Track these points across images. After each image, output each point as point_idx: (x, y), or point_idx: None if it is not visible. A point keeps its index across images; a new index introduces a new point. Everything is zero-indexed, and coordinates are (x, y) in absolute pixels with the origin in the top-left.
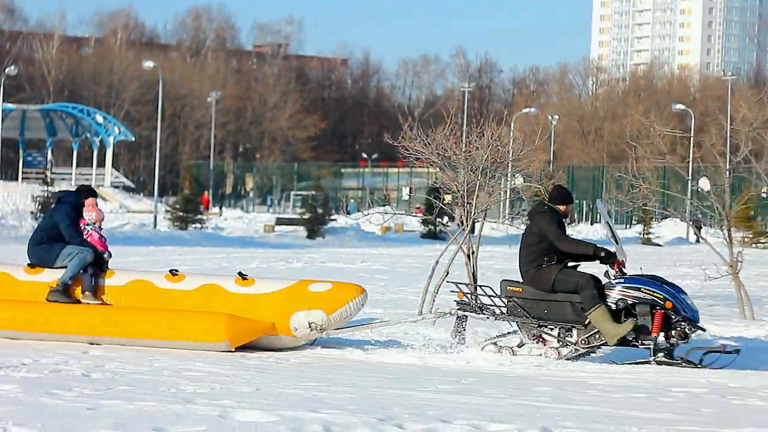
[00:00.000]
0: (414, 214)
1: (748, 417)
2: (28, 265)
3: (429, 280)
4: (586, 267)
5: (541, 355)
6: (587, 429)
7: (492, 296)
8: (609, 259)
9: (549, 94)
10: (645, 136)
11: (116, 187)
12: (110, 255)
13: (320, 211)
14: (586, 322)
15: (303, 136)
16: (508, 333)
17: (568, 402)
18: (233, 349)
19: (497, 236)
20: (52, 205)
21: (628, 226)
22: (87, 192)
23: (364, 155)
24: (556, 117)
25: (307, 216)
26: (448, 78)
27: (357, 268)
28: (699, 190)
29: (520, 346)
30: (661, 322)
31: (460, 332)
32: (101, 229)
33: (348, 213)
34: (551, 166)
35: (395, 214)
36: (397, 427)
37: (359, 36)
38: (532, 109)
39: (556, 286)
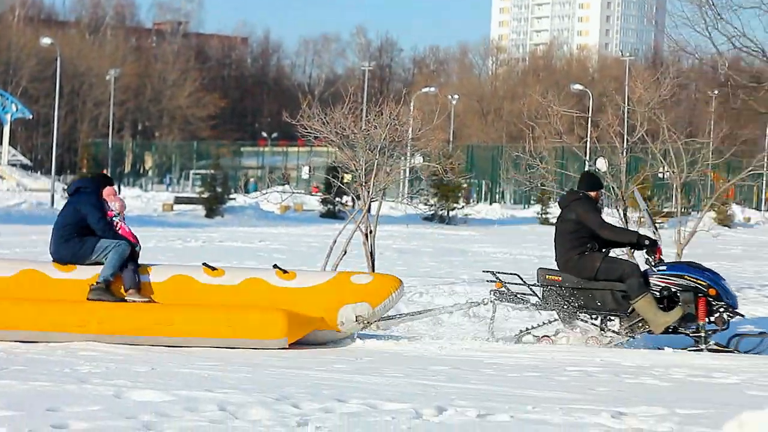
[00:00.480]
0: (312, 193)
1: (641, 395)
2: (55, 261)
3: (327, 259)
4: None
5: (582, 344)
6: (482, 408)
7: (529, 285)
8: (652, 247)
9: (449, 73)
10: (543, 116)
11: (13, 165)
12: (140, 248)
13: (219, 190)
14: (629, 311)
15: (202, 115)
16: (545, 323)
17: (463, 381)
18: (287, 346)
19: (396, 215)
20: (68, 196)
21: (526, 206)
22: (105, 180)
23: (264, 134)
24: (456, 97)
25: (206, 195)
26: (349, 57)
27: (255, 248)
28: (596, 170)
29: (556, 334)
30: (706, 309)
31: (492, 322)
32: (125, 219)
33: (247, 192)
34: (450, 145)
35: (293, 193)
36: (293, 406)
37: (259, 14)
38: (432, 89)
39: (599, 275)
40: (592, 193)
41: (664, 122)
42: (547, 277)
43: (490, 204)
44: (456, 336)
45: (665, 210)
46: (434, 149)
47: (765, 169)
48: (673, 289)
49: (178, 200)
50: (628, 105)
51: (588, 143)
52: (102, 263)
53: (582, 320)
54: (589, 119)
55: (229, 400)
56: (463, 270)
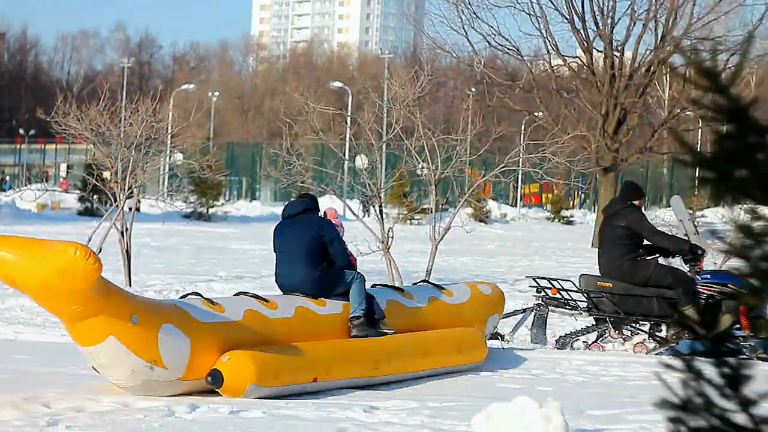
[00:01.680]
0: (60, 189)
1: (393, 390)
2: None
3: None
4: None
5: (626, 350)
6: (235, 404)
7: (578, 291)
8: (700, 256)
9: (210, 70)
10: (301, 113)
11: None
12: None
13: None
14: (676, 317)
15: None
16: (589, 329)
17: None
18: None
19: (155, 213)
20: (288, 218)
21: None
22: (317, 201)
23: (21, 131)
24: (216, 93)
25: None
26: (108, 53)
27: None
28: (355, 167)
29: (601, 339)
30: (748, 318)
31: (542, 328)
32: None
33: (2, 190)
34: (210, 142)
35: (47, 190)
36: (43, 406)
37: (17, 9)
38: (191, 86)
39: (650, 281)
40: (637, 202)
41: (419, 119)
42: (597, 283)
43: (250, 201)
44: None
45: (423, 206)
46: (192, 146)
47: (519, 165)
48: (717, 297)
49: None
50: (386, 103)
51: (347, 141)
52: (333, 295)
53: (628, 326)
54: (348, 117)
55: None
56: (221, 267)
